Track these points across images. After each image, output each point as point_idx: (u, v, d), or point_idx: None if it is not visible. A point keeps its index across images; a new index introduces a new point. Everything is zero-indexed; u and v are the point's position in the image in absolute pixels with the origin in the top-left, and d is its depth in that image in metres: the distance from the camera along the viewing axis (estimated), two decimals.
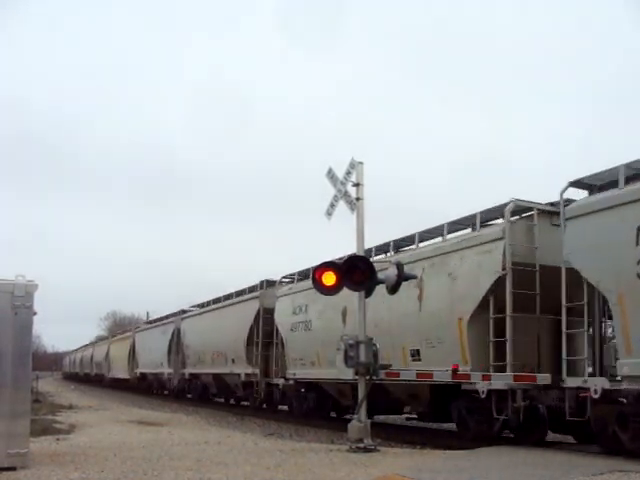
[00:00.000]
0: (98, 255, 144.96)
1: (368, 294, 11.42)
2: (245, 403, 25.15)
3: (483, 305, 11.85)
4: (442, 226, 13.75)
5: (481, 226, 12.87)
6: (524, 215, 12.26)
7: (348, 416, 16.78)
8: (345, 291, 11.33)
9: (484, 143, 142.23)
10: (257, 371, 21.50)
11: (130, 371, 40.38)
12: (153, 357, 34.60)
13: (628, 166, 9.95)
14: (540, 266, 11.64)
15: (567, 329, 10.57)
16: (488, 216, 12.98)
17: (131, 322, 76.61)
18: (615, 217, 9.70)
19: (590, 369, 10.47)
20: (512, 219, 11.93)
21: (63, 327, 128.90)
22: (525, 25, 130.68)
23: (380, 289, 11.53)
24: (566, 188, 10.80)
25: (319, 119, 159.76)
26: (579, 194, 11.01)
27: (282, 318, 19.67)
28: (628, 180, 9.90)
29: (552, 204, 11.90)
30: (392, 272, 11.22)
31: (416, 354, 13.38)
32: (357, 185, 11.69)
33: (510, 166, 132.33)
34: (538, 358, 11.69)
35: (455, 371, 12.11)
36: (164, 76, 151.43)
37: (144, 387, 38.75)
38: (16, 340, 8.74)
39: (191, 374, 29.28)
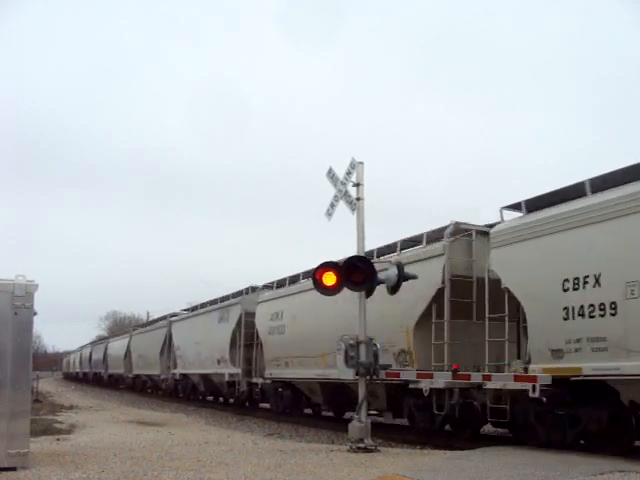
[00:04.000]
0: (98, 255, 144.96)
1: (369, 294, 11.42)
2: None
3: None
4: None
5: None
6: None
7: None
8: None
9: (484, 142, 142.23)
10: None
11: (164, 371, 32.07)
12: (204, 353, 25.96)
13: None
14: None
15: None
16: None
17: (131, 322, 76.61)
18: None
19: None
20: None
21: (63, 327, 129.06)
22: (526, 25, 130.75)
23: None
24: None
25: (319, 119, 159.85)
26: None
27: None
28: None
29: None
30: (392, 272, 11.22)
31: None
32: (357, 185, 11.69)
33: (510, 166, 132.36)
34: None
35: (455, 371, 12.09)
36: (164, 76, 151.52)
37: (188, 392, 29.94)
38: (16, 340, 8.75)
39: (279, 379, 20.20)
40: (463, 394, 12.19)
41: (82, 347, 68.76)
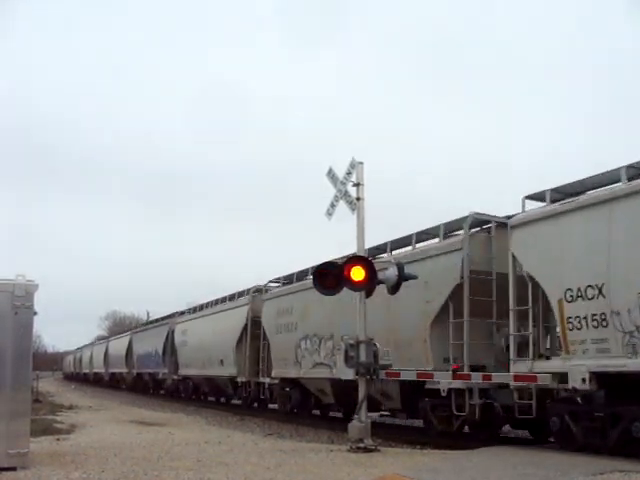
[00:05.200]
0: (98, 255, 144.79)
1: (368, 294, 11.42)
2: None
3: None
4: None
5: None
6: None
7: None
8: None
9: (484, 142, 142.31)
10: None
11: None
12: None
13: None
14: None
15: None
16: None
17: (132, 322, 76.64)
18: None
19: None
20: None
21: (63, 327, 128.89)
22: (525, 24, 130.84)
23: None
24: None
25: (319, 119, 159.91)
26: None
27: None
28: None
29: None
30: (392, 272, 11.21)
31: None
32: (357, 185, 11.70)
33: (509, 165, 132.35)
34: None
35: (455, 371, 12.08)
36: (164, 76, 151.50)
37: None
38: (16, 340, 8.76)
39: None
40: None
41: (107, 339, 53.97)
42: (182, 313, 32.25)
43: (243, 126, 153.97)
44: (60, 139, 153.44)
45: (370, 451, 10.62)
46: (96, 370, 53.92)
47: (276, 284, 21.51)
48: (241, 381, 22.82)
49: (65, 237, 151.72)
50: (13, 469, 8.35)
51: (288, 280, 20.38)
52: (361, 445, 10.71)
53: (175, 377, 30.57)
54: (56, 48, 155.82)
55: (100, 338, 64.82)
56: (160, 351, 32.42)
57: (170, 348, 30.92)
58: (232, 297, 25.01)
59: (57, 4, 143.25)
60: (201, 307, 28.91)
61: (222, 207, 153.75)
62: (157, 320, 38.42)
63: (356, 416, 11.13)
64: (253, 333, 21.72)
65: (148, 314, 52.27)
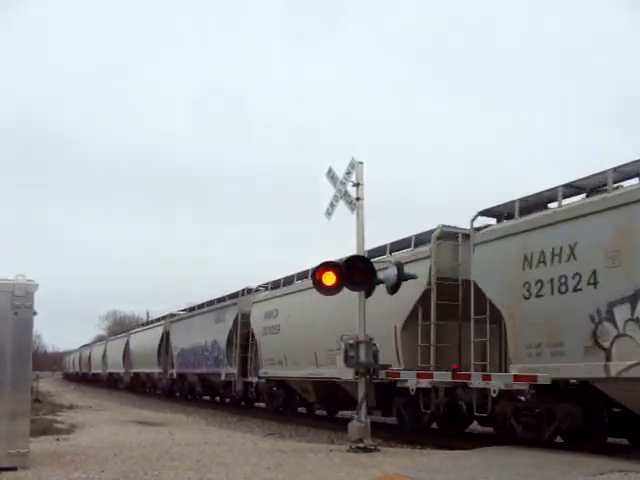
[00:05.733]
0: (98, 254, 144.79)
1: (368, 294, 11.41)
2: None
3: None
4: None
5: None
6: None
7: None
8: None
9: (484, 142, 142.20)
10: None
11: None
12: None
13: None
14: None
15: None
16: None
17: (131, 322, 76.54)
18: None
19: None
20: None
21: (63, 327, 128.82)
22: (525, 25, 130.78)
23: None
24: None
25: (319, 118, 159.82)
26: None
27: None
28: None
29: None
30: (392, 272, 11.21)
31: None
32: (357, 185, 11.70)
33: (509, 165, 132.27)
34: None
35: (455, 371, 12.09)
36: (165, 76, 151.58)
37: None
38: (16, 340, 8.75)
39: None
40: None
41: (127, 332, 43.08)
42: (256, 290, 22.87)
43: (243, 126, 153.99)
44: (60, 139, 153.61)
45: (370, 451, 10.62)
46: (111, 370, 45.58)
47: (494, 219, 12.63)
48: (413, 388, 12.71)
49: (65, 237, 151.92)
50: (13, 469, 8.35)
51: (529, 203, 11.57)
52: (361, 445, 10.71)
53: (253, 379, 21.76)
54: (57, 47, 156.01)
55: (101, 338, 64.46)
56: (222, 344, 23.64)
57: (239, 339, 22.67)
58: (381, 250, 15.22)
59: (60, 4, 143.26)
60: (304, 275, 18.47)
61: (222, 207, 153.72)
62: (208, 303, 27.07)
63: (356, 416, 11.14)
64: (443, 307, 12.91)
65: (148, 314, 52.08)
